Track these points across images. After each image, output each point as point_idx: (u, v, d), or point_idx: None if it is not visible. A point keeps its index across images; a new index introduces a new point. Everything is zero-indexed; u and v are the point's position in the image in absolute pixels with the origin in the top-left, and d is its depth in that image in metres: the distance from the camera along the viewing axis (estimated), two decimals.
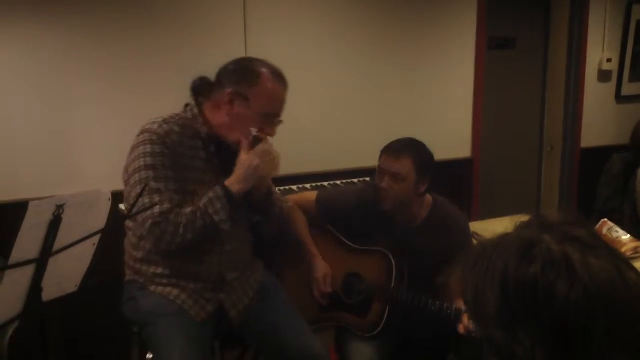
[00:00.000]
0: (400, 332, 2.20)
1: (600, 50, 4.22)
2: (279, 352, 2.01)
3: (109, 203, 1.61)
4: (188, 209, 1.75)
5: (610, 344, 0.74)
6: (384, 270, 2.15)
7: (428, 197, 2.19)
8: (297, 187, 3.17)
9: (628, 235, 2.50)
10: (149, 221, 1.72)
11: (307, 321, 2.10)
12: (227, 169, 1.83)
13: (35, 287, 1.50)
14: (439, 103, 3.75)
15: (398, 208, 2.12)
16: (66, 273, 1.61)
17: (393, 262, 2.13)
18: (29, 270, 1.47)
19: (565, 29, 4.21)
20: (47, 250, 1.47)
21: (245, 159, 1.79)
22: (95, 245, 1.63)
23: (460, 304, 1.94)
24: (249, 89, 1.80)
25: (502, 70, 4.18)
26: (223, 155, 1.87)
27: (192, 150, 1.84)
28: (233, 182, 1.79)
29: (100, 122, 2.93)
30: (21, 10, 2.72)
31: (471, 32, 3.78)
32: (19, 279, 1.47)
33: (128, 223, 1.89)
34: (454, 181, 3.82)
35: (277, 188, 3.08)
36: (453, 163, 3.86)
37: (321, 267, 2.20)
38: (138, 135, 1.81)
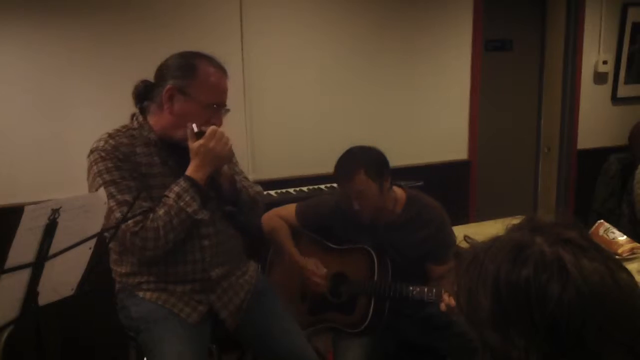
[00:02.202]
0: (392, 334, 2.21)
1: (596, 52, 4.24)
2: (271, 355, 2.01)
3: (106, 207, 1.61)
4: (161, 211, 1.74)
5: (604, 344, 0.74)
6: (367, 267, 2.18)
7: (401, 192, 2.23)
8: (295, 190, 3.18)
9: (625, 237, 2.51)
10: (128, 234, 1.71)
11: (300, 327, 2.11)
12: (186, 169, 1.81)
13: (31, 291, 1.50)
14: (435, 105, 3.76)
15: (376, 213, 2.15)
16: (63, 277, 1.60)
17: (375, 257, 2.16)
18: (25, 274, 1.47)
19: (562, 31, 4.22)
20: (43, 255, 1.46)
21: (196, 146, 1.76)
22: (91, 249, 1.62)
23: (440, 287, 1.98)
24: (186, 82, 1.77)
25: (499, 73, 4.19)
26: (178, 156, 1.84)
27: (147, 158, 1.82)
28: (193, 171, 1.77)
29: (98, 125, 2.90)
30: (18, 15, 2.72)
31: (468, 34, 3.79)
32: (15, 284, 1.47)
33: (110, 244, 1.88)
34: (451, 184, 3.83)
35: (274, 191, 3.11)
36: (450, 165, 3.87)
37: (308, 261, 2.24)
38: (88, 156, 1.79)
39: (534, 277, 0.75)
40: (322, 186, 3.28)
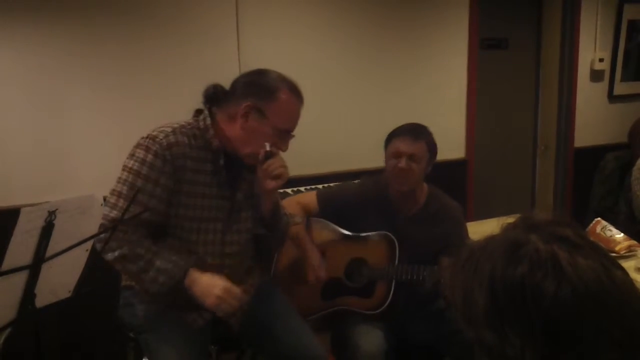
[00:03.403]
0: (396, 333, 2.21)
1: (592, 50, 4.24)
2: (277, 355, 2.01)
3: (102, 208, 1.61)
4: (142, 250, 1.68)
5: (600, 342, 0.74)
6: (387, 252, 2.21)
7: (424, 186, 2.29)
8: (292, 191, 3.17)
9: (622, 234, 2.51)
10: (101, 221, 1.67)
11: (312, 311, 2.13)
12: (234, 184, 1.80)
13: (28, 293, 1.50)
14: (432, 104, 3.76)
15: (407, 192, 2.21)
16: (60, 279, 1.60)
17: (396, 242, 2.20)
18: (23, 277, 1.47)
19: (558, 29, 4.23)
20: (40, 257, 1.46)
21: (210, 285, 1.71)
22: (88, 251, 1.62)
23: None
24: (266, 104, 1.76)
25: (495, 71, 4.19)
26: (232, 169, 1.83)
27: (198, 163, 1.78)
28: (192, 282, 1.71)
29: (93, 127, 2.92)
30: (15, 17, 2.72)
31: (464, 33, 3.79)
32: (13, 286, 1.47)
33: None
34: (448, 182, 3.80)
35: None
36: (447, 164, 3.86)
37: (316, 256, 2.23)
38: (144, 137, 1.74)
39: (529, 275, 0.75)
40: (320, 186, 3.27)
